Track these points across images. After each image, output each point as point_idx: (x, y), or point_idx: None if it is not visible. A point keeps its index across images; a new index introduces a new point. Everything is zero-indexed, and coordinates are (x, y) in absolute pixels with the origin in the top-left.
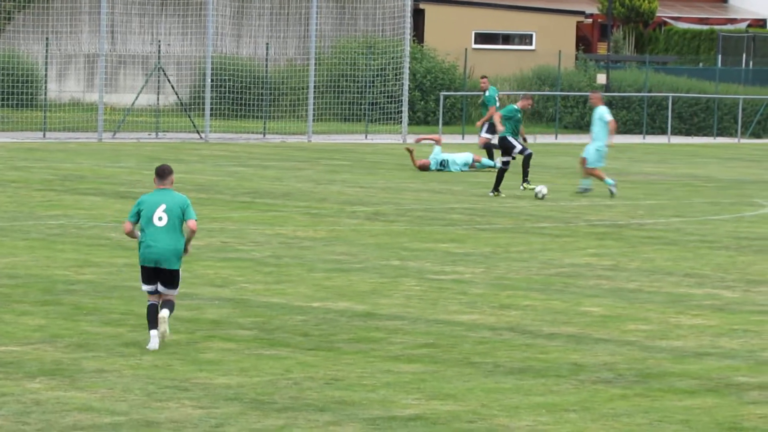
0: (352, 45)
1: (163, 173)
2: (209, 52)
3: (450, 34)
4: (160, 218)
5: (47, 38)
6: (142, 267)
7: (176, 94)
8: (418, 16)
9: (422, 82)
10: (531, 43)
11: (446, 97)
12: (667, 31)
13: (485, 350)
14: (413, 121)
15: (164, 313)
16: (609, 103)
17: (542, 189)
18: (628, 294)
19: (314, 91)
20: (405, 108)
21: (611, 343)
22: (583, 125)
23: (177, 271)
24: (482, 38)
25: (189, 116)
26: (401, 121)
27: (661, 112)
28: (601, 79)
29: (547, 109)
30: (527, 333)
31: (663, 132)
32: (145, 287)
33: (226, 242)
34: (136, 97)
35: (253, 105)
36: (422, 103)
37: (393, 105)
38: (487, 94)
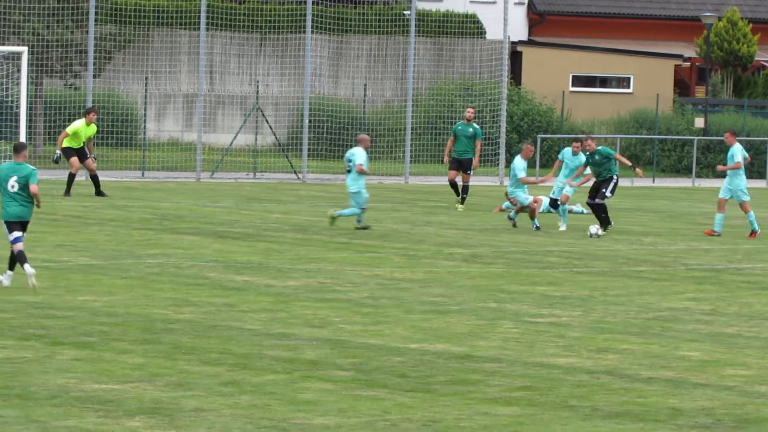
0: (449, 87)
1: (18, 149)
2: (307, 93)
3: (547, 77)
4: (12, 186)
5: (146, 78)
6: (7, 222)
7: (274, 134)
8: (516, 58)
9: (519, 124)
10: (629, 87)
11: (543, 140)
12: (766, 75)
13: (583, 394)
14: (510, 163)
15: (32, 270)
16: (707, 147)
17: (596, 229)
18: (727, 339)
19: (411, 133)
20: (502, 150)
21: (710, 388)
22: (680, 169)
23: (29, 221)
24: (580, 81)
25: (287, 156)
26: (498, 164)
27: (759, 156)
28: (699, 122)
29: (645, 153)
30: (625, 377)
31: (761, 176)
32: (15, 235)
33: (324, 283)
34: (234, 137)
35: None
36: (519, 145)
37: (490, 147)
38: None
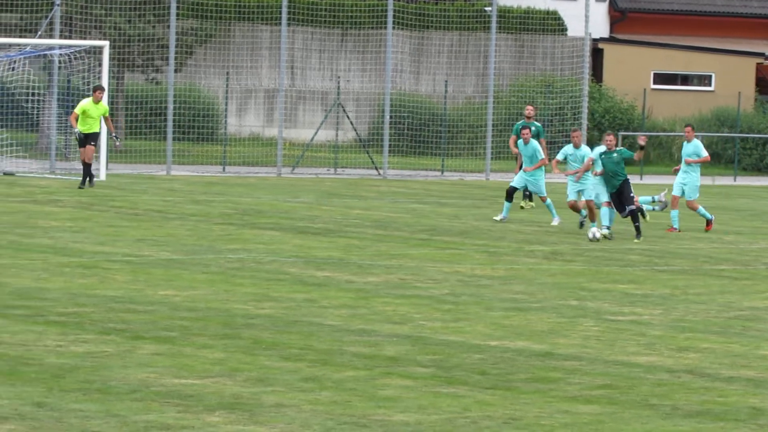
0: (530, 83)
1: None
2: (388, 89)
3: (629, 74)
4: None
5: (227, 73)
6: None
7: (355, 130)
8: (597, 55)
9: (600, 121)
10: (710, 84)
11: (625, 137)
12: None
13: (663, 392)
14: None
15: None
16: None
17: (596, 232)
18: None
19: (492, 129)
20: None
21: None
22: (762, 167)
23: None
24: (661, 78)
25: (367, 152)
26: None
27: None
28: None
29: (726, 151)
30: (706, 376)
31: None
32: None
33: (404, 279)
34: (315, 133)
35: (431, 142)
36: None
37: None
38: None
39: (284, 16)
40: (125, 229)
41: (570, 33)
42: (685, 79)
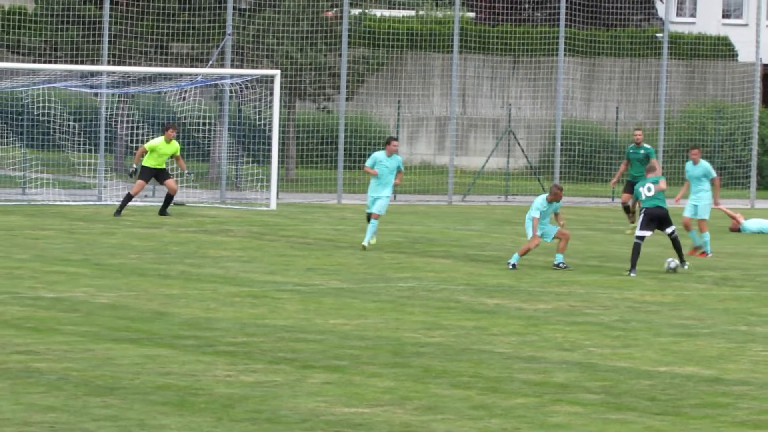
0: (700, 110)
1: None
2: (559, 116)
3: None
4: None
5: (399, 101)
6: None
7: (526, 157)
8: None
9: None
10: None
11: None
12: None
13: None
14: (761, 186)
15: None
16: None
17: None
18: None
19: (663, 156)
20: (753, 173)
21: None
22: None
23: None
24: None
25: (538, 179)
26: (749, 186)
27: None
28: None
29: None
30: None
31: None
32: None
33: (574, 306)
34: (487, 160)
35: (602, 169)
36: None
37: (741, 170)
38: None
39: (456, 44)
40: (296, 259)
41: (740, 58)
42: None
